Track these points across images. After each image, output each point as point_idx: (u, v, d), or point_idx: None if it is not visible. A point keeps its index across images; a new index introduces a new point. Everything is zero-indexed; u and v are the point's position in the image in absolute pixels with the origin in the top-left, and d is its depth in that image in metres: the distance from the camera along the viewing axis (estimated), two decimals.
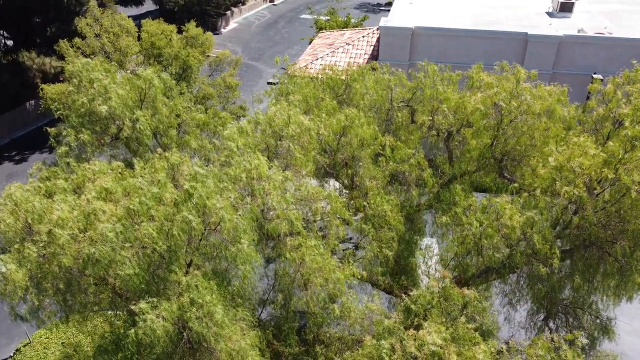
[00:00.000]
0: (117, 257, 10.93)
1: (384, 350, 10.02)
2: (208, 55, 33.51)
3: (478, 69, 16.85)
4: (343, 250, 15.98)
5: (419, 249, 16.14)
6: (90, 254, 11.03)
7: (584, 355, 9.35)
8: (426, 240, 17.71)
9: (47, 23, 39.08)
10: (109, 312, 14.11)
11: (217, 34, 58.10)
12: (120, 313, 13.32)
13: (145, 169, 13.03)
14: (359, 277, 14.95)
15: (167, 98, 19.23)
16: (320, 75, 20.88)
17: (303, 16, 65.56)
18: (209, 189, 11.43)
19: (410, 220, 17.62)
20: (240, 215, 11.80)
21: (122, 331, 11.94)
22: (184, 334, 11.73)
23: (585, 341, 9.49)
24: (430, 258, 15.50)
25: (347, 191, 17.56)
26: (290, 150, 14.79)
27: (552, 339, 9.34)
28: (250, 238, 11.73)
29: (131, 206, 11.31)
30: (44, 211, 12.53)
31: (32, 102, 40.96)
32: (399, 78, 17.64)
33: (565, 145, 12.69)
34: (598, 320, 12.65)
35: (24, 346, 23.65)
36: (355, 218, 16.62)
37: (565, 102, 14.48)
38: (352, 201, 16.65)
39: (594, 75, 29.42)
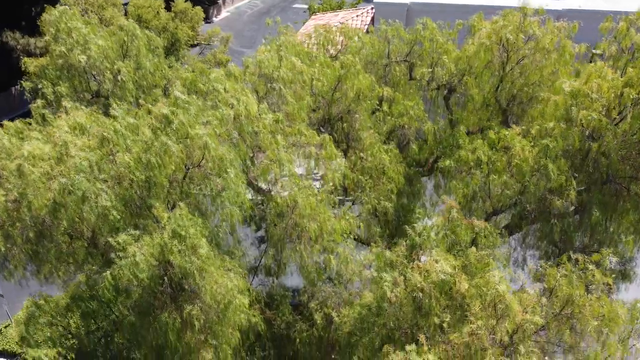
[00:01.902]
0: (92, 189, 9.86)
1: (386, 283, 8.99)
2: (198, 34, 32.61)
3: (479, 17, 15.94)
4: (339, 205, 14.98)
5: (420, 207, 15.12)
6: (63, 185, 9.95)
7: (612, 276, 8.40)
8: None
9: (32, 3, 37.99)
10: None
11: (209, 22, 57.36)
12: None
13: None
14: (357, 228, 13.92)
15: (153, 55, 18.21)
16: (313, 37, 19.93)
17: (295, 5, 65.14)
18: (191, 116, 10.41)
19: (409, 182, 16.63)
20: (227, 147, 10.79)
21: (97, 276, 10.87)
22: (165, 278, 10.67)
23: (614, 260, 8.53)
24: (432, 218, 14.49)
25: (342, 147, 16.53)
26: (282, 95, 13.78)
27: (577, 260, 8.35)
28: (238, 172, 10.69)
29: (105, 134, 10.26)
30: (14, 148, 11.51)
31: (18, 86, 39.77)
32: (396, 29, 16.69)
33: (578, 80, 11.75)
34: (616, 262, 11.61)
35: (5, 327, 22.52)
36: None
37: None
38: (347, 157, 15.64)
39: None
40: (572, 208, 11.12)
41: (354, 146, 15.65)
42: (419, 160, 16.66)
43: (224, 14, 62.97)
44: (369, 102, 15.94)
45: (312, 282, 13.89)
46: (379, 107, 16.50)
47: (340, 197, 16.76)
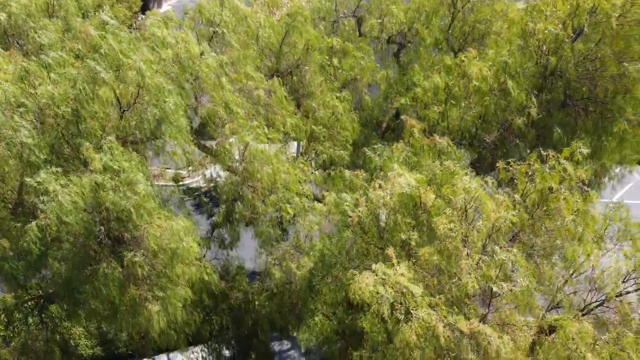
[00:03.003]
0: (9, 124, 8.62)
1: (346, 204, 8.25)
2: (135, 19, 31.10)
3: None
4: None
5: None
6: None
7: (585, 168, 7.94)
8: None
9: None
10: None
11: None
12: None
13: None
14: (311, 179, 13.14)
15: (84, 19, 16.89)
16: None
17: None
18: (123, 43, 9.35)
19: (366, 139, 16.02)
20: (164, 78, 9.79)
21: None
22: (102, 227, 9.53)
23: (586, 151, 8.08)
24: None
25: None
26: (226, 40, 12.86)
27: (547, 157, 7.83)
28: (178, 102, 9.67)
29: (24, 64, 9.09)
30: None
31: None
32: None
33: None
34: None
35: None
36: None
37: None
38: (299, 110, 14.85)
39: None
40: (534, 131, 10.79)
41: (305, 101, 14.90)
42: (373, 117, 16.10)
43: (165, 6, 61.31)
44: (318, 55, 15.26)
45: (268, 241, 13.00)
46: (329, 63, 15.86)
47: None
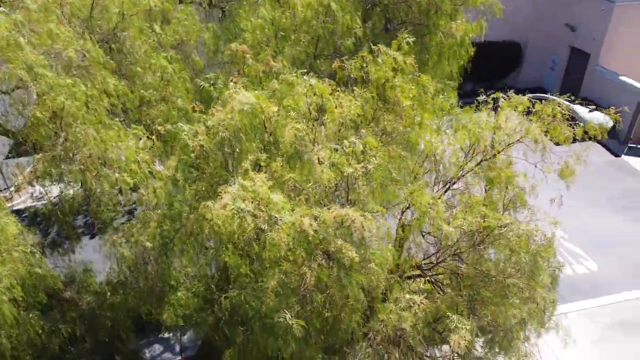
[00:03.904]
0: None
1: (184, 134, 7.46)
2: None
3: None
4: None
5: None
6: None
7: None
8: None
9: None
10: None
11: None
12: None
13: None
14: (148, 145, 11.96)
15: None
16: None
17: None
18: None
19: None
20: None
21: None
22: None
23: (412, 39, 8.29)
24: None
25: None
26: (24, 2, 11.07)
27: (377, 50, 7.87)
28: None
29: None
30: None
31: None
32: None
33: None
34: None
35: None
36: None
37: None
38: None
39: None
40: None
41: (130, 68, 13.57)
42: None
43: None
44: (137, 21, 14.00)
45: (110, 221, 11.61)
46: (151, 29, 14.67)
47: None
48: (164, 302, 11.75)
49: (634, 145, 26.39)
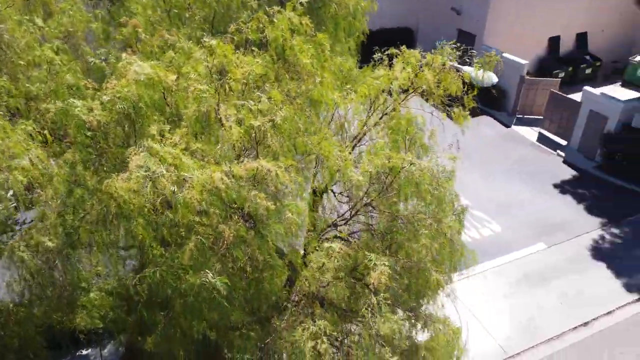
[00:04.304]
0: None
1: (77, 109, 7.02)
2: None
3: None
4: None
5: None
6: None
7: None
8: None
9: None
10: None
11: None
12: None
13: None
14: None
15: None
16: None
17: None
18: None
19: None
20: None
21: None
22: None
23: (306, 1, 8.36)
24: None
25: None
26: None
27: (272, 12, 7.82)
28: None
29: None
30: None
31: None
32: None
33: None
34: None
35: None
36: None
37: None
38: None
39: None
40: None
41: (10, 66, 12.55)
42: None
43: None
44: (15, 14, 12.97)
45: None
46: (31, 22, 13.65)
47: None
48: (76, 306, 11.00)
49: (520, 116, 28.68)
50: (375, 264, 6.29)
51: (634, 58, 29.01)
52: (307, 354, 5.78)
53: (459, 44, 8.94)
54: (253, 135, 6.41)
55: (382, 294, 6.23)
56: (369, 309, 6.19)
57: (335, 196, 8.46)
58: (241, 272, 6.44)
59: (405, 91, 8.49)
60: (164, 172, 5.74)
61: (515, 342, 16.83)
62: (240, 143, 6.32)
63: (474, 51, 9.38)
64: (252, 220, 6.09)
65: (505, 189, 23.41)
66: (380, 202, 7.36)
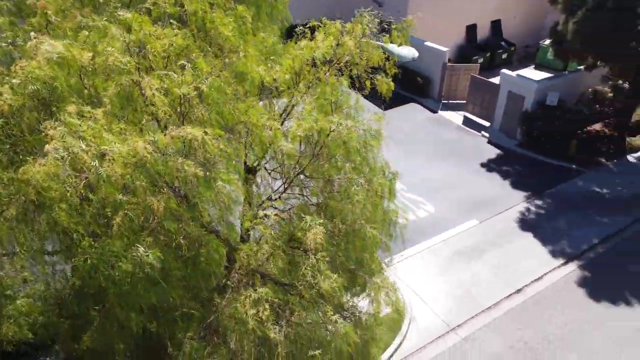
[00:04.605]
0: None
1: None
2: None
3: None
4: None
5: None
6: None
7: None
8: None
9: None
10: None
11: None
12: None
13: None
14: None
15: None
16: None
17: None
18: None
19: None
20: None
21: None
22: None
23: None
24: None
25: None
26: None
27: None
28: None
29: None
30: None
31: None
32: None
33: None
34: None
35: None
36: None
37: None
38: None
39: None
40: None
41: None
42: None
43: None
44: None
45: None
46: None
47: None
48: (1, 316, 10.29)
49: (446, 102, 29.80)
50: (310, 225, 6.29)
51: (544, 42, 30.98)
52: (249, 320, 5.69)
53: (377, 12, 9.11)
54: (179, 109, 6.23)
55: (320, 254, 6.24)
56: (309, 268, 6.19)
57: (269, 174, 8.41)
58: (176, 249, 6.24)
59: (330, 62, 8.57)
60: (83, 147, 5.45)
61: (456, 314, 17.45)
62: (165, 114, 6.11)
63: (392, 19, 9.60)
64: (182, 194, 5.91)
65: (437, 172, 24.23)
66: (313, 169, 7.38)
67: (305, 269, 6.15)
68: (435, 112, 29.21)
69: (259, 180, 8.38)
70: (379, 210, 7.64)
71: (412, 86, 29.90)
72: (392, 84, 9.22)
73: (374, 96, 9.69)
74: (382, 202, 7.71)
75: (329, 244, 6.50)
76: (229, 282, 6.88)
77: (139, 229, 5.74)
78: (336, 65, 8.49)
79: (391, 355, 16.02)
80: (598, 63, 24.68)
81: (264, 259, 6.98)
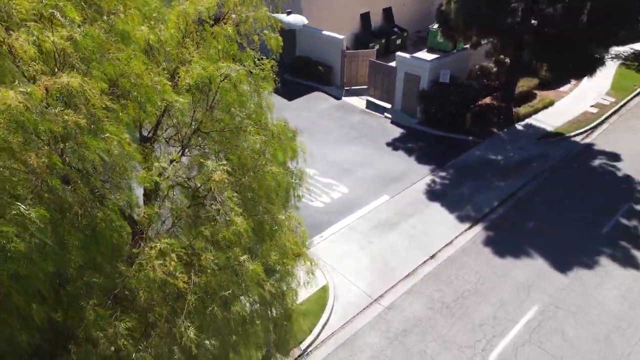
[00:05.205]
0: None
1: None
2: None
3: None
4: None
5: None
6: None
7: None
8: None
9: None
10: None
11: None
12: None
13: None
14: None
15: None
16: None
17: None
18: None
19: None
20: None
21: None
22: None
23: None
24: None
25: None
26: None
27: None
28: None
29: None
30: None
31: None
32: None
33: None
34: None
35: None
36: None
37: None
38: None
39: None
40: None
41: None
42: None
43: None
44: None
45: None
46: None
47: None
48: None
49: (348, 88, 30.53)
50: (212, 170, 6.12)
51: (433, 26, 32.70)
52: (157, 271, 5.40)
53: None
54: (53, 64, 5.78)
55: (226, 193, 6.07)
56: (217, 210, 6.01)
57: (167, 142, 8.09)
58: (72, 218, 5.78)
59: (217, 20, 8.41)
60: None
61: (378, 286, 17.89)
62: (37, 72, 5.63)
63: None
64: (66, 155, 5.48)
65: (346, 155, 24.75)
66: (209, 121, 7.18)
67: (215, 211, 5.96)
68: (339, 98, 29.83)
69: (156, 150, 8.04)
70: (275, 144, 7.57)
71: (315, 75, 30.34)
72: (280, 38, 9.23)
73: (277, 90, 9.60)
74: (281, 145, 7.67)
75: (232, 190, 6.33)
76: (134, 250, 6.53)
77: (18, 182, 5.17)
78: (223, 22, 8.35)
79: (320, 332, 16.12)
80: (481, 41, 26.45)
81: (169, 224, 6.71)
